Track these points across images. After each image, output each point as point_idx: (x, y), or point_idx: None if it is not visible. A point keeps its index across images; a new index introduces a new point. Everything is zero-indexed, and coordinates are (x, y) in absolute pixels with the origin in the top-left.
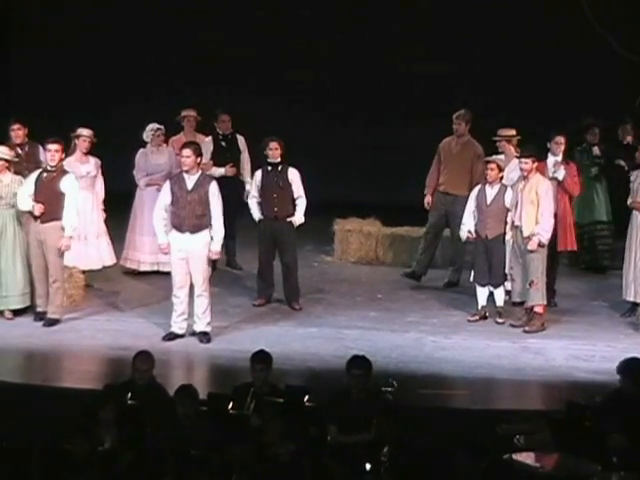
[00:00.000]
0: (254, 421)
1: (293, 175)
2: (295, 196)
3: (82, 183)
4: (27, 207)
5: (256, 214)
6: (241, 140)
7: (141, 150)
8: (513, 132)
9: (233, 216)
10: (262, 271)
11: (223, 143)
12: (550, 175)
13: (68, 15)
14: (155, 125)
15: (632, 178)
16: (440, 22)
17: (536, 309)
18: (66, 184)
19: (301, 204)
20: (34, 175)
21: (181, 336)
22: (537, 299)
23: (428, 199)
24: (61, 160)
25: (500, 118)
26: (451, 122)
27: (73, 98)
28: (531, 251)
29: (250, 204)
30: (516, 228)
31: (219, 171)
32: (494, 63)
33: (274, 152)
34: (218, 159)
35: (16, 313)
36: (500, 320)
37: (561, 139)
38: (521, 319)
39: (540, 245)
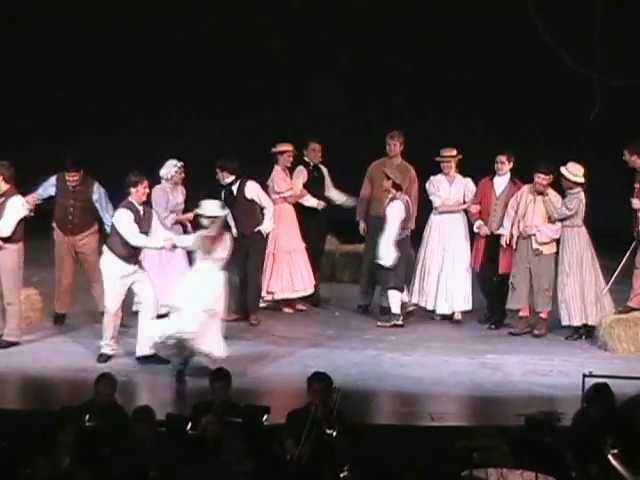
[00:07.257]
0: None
1: (251, 191)
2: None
3: None
4: None
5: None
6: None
7: (160, 187)
8: (455, 152)
9: None
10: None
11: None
12: (497, 194)
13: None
14: (178, 162)
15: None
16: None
17: (542, 315)
18: (11, 203)
19: (268, 213)
20: None
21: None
22: (547, 305)
23: (363, 225)
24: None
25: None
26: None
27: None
28: (542, 260)
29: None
30: (524, 239)
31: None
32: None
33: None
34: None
35: None
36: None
37: (502, 158)
38: (518, 326)
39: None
